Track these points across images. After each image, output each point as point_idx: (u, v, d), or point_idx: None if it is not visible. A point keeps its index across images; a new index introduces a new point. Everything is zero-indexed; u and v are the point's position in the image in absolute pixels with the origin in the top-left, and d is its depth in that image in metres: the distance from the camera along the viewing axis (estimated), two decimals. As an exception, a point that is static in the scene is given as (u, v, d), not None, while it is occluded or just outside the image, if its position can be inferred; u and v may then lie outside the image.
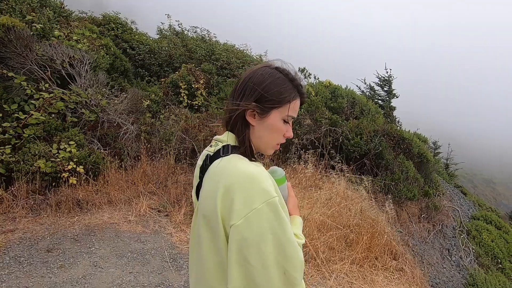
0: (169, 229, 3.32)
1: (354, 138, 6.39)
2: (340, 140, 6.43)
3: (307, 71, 7.70)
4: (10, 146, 3.71)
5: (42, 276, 2.47)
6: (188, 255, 1.04)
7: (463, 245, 6.64)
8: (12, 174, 3.59)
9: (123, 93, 5.18)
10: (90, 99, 4.27)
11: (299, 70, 8.01)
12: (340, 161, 5.11)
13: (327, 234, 3.02)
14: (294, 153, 6.12)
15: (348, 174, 5.39)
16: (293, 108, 0.88)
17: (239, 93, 0.87)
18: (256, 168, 0.77)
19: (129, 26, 10.60)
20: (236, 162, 0.78)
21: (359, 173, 6.05)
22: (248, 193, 0.71)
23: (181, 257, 2.93)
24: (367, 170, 6.38)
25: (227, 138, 0.87)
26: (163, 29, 11.42)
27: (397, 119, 9.49)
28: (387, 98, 9.85)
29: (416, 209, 6.11)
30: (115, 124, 4.44)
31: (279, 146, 0.92)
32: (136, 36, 9.96)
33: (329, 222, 3.08)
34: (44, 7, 5.60)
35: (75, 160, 3.66)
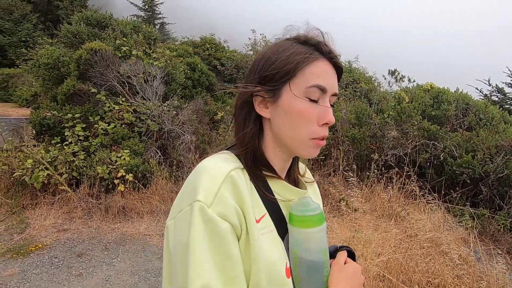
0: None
1: (463, 156, 4.79)
2: (442, 158, 4.94)
3: (398, 73, 6.37)
4: (84, 153, 4.19)
5: (59, 282, 2.50)
6: None
7: None
8: (82, 178, 4.02)
9: (189, 105, 5.32)
10: (151, 110, 4.48)
11: (388, 73, 6.72)
12: (424, 187, 3.83)
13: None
14: (374, 171, 5.04)
15: (446, 204, 3.99)
16: (315, 72, 0.59)
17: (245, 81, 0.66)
18: (217, 161, 0.58)
19: (221, 45, 11.47)
20: (209, 158, 0.60)
21: (468, 203, 4.45)
22: (185, 189, 0.57)
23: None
24: (483, 201, 4.66)
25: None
26: (252, 44, 11.85)
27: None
28: (526, 102, 7.30)
29: None
30: (173, 134, 4.53)
31: (321, 141, 0.61)
32: (227, 54, 10.62)
33: (388, 277, 2.11)
34: (136, 33, 6.41)
35: (124, 168, 3.83)
